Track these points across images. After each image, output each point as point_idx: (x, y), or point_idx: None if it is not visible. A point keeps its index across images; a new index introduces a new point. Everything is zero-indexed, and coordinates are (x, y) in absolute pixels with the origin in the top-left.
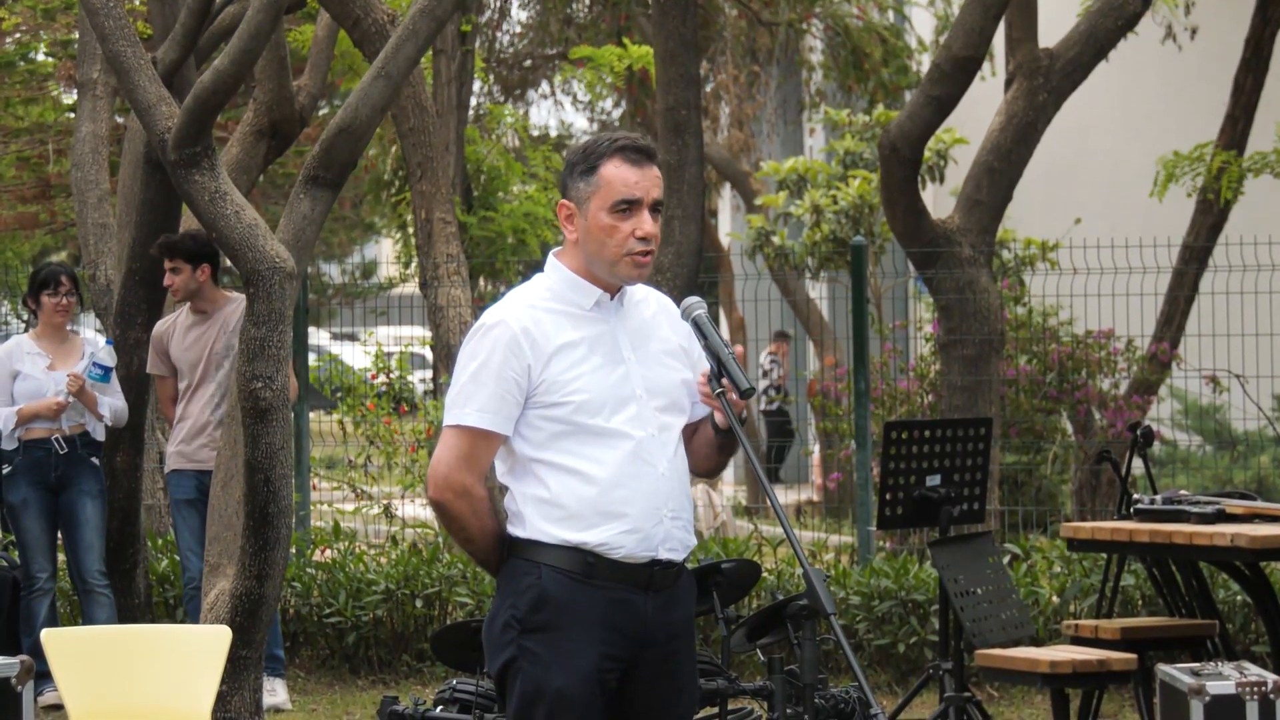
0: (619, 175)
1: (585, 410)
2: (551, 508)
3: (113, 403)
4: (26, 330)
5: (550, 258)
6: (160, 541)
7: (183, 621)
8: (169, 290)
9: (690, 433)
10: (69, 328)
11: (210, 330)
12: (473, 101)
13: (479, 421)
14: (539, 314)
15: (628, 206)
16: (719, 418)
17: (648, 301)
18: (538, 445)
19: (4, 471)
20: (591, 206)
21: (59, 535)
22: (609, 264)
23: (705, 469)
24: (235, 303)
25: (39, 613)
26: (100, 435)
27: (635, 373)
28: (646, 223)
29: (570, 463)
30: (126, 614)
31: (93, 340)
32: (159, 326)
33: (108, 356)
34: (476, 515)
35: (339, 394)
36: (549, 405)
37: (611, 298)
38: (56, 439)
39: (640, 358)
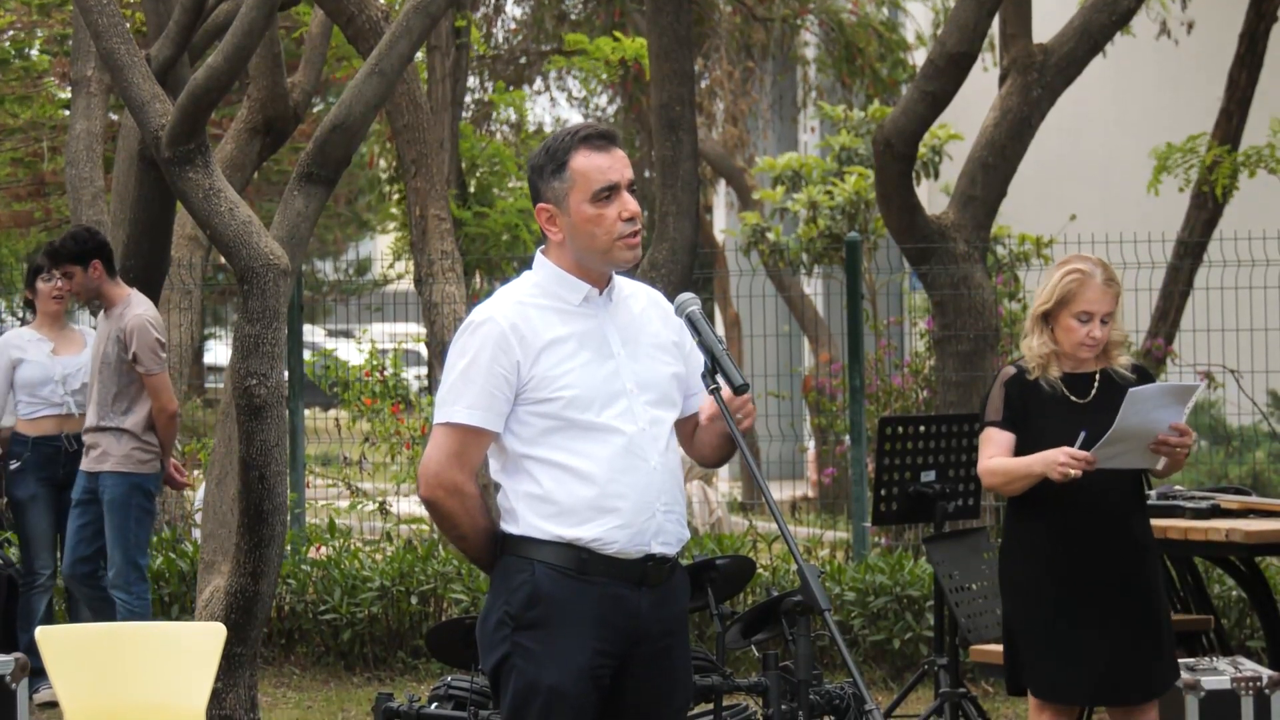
0: (591, 164)
1: (575, 405)
2: (544, 504)
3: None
4: (23, 326)
5: (538, 255)
6: (155, 539)
7: (178, 619)
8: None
9: (693, 426)
10: (71, 325)
11: (102, 331)
12: (467, 98)
13: (469, 419)
14: (527, 310)
15: (608, 193)
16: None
17: (637, 296)
18: (528, 441)
19: (13, 467)
20: (572, 202)
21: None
22: (602, 253)
23: (715, 460)
24: (126, 304)
25: (39, 609)
26: None
27: (625, 367)
28: (630, 203)
29: (562, 458)
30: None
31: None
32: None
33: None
34: (468, 513)
35: (336, 388)
36: (539, 401)
37: (600, 293)
38: (65, 436)
39: (630, 352)
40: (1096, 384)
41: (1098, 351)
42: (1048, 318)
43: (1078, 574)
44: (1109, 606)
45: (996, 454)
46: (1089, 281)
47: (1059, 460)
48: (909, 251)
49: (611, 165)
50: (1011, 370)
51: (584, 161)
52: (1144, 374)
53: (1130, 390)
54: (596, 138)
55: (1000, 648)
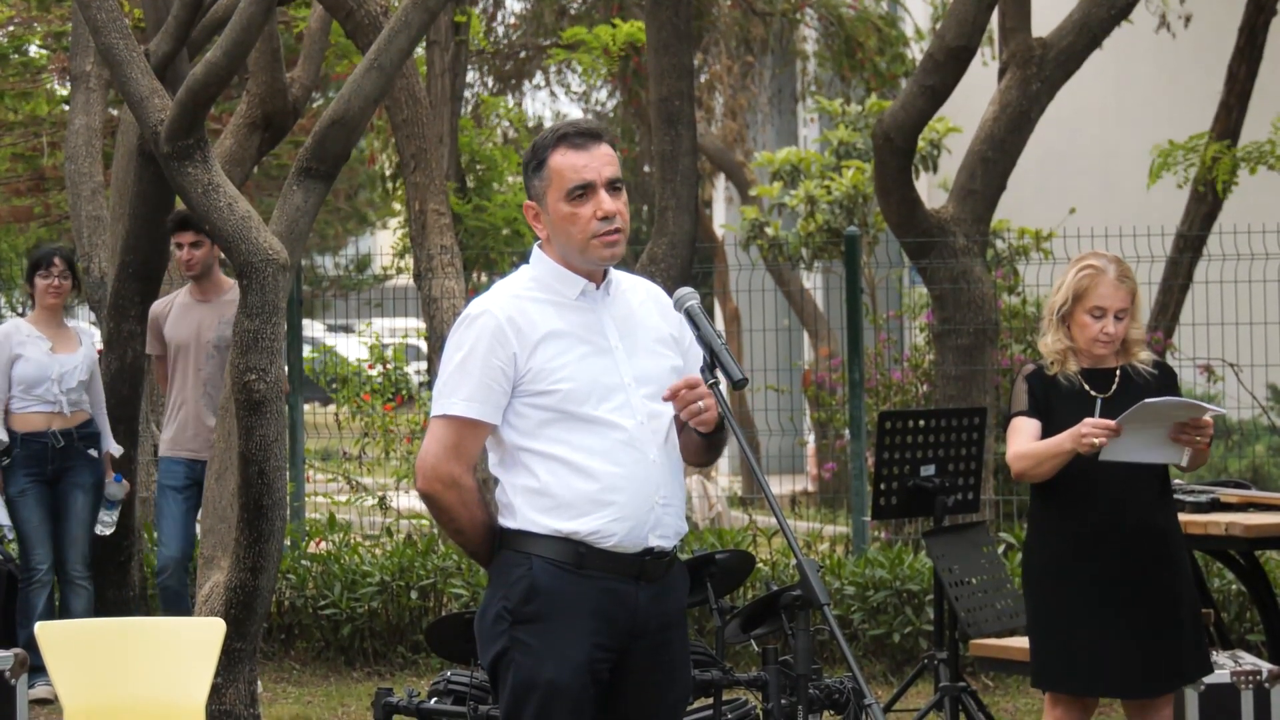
0: (566, 163)
1: (572, 399)
2: (541, 497)
3: (109, 520)
4: (20, 318)
5: (535, 249)
6: (155, 534)
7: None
8: (186, 266)
9: (679, 426)
10: (66, 321)
11: (207, 316)
12: (467, 93)
13: (466, 411)
14: (524, 303)
15: (582, 191)
16: (695, 425)
17: (636, 290)
18: (526, 434)
19: (3, 464)
20: (550, 200)
21: None
22: (580, 250)
23: (697, 463)
24: (234, 291)
25: (37, 605)
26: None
27: (623, 361)
28: (605, 202)
29: (559, 451)
30: (121, 606)
31: (88, 331)
32: (156, 306)
33: (119, 491)
34: (466, 506)
35: (334, 384)
36: (536, 394)
37: (597, 287)
38: (53, 432)
39: (628, 346)
40: (1117, 380)
41: (1114, 348)
42: (1063, 314)
43: (1101, 568)
44: (1132, 601)
45: (1025, 441)
46: (1101, 277)
47: (1083, 432)
48: (908, 246)
49: (588, 164)
50: (1031, 366)
51: (560, 160)
52: (1166, 370)
53: (1144, 401)
54: (576, 135)
55: (1001, 641)
